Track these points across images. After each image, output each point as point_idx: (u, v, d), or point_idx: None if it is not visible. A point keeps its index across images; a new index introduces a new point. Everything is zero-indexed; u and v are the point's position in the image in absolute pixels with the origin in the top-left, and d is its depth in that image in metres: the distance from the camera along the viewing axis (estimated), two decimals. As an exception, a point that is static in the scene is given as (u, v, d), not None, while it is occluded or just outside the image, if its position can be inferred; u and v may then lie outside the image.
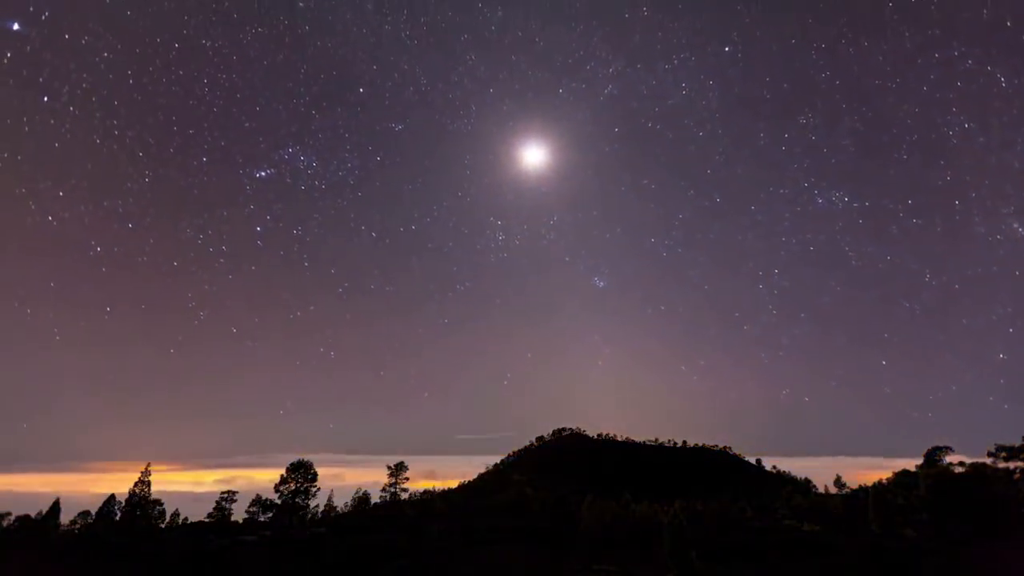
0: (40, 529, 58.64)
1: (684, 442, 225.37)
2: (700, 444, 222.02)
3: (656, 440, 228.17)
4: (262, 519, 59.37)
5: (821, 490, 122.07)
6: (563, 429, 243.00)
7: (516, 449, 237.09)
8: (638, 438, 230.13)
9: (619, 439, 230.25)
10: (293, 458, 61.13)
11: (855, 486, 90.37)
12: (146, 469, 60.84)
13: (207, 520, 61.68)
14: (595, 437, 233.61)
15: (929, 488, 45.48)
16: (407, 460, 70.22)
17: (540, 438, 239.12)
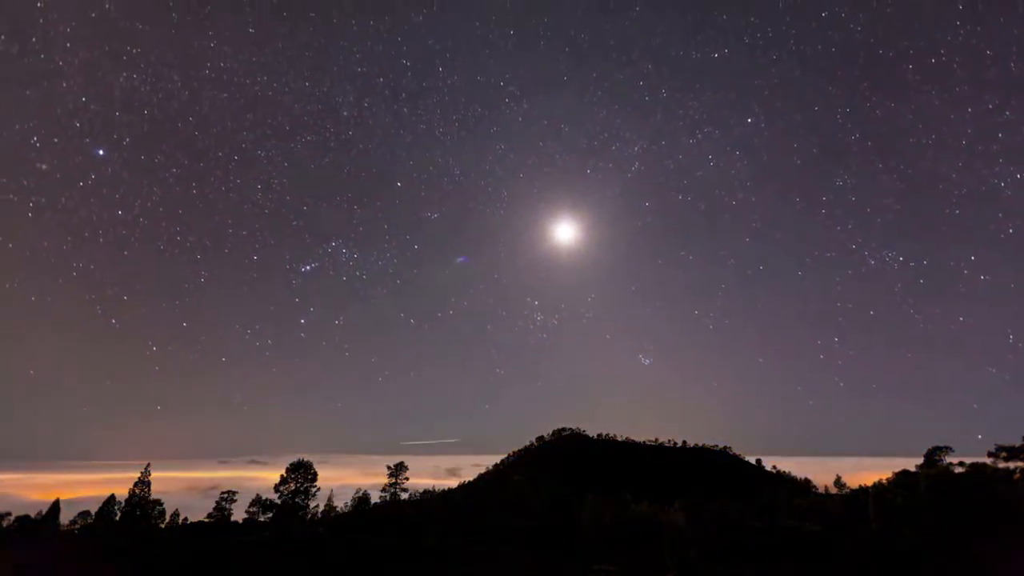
0: (40, 529, 58.63)
1: (684, 442, 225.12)
2: (700, 444, 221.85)
3: (656, 440, 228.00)
4: (262, 519, 59.32)
5: (821, 490, 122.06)
6: (563, 429, 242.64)
7: (516, 449, 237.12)
8: (638, 438, 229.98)
9: (619, 439, 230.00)
10: (293, 458, 61.12)
11: (855, 486, 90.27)
12: (146, 469, 60.82)
13: (207, 520, 61.65)
14: (595, 437, 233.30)
15: (929, 488, 45.44)
16: (407, 460, 70.20)
17: (540, 438, 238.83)
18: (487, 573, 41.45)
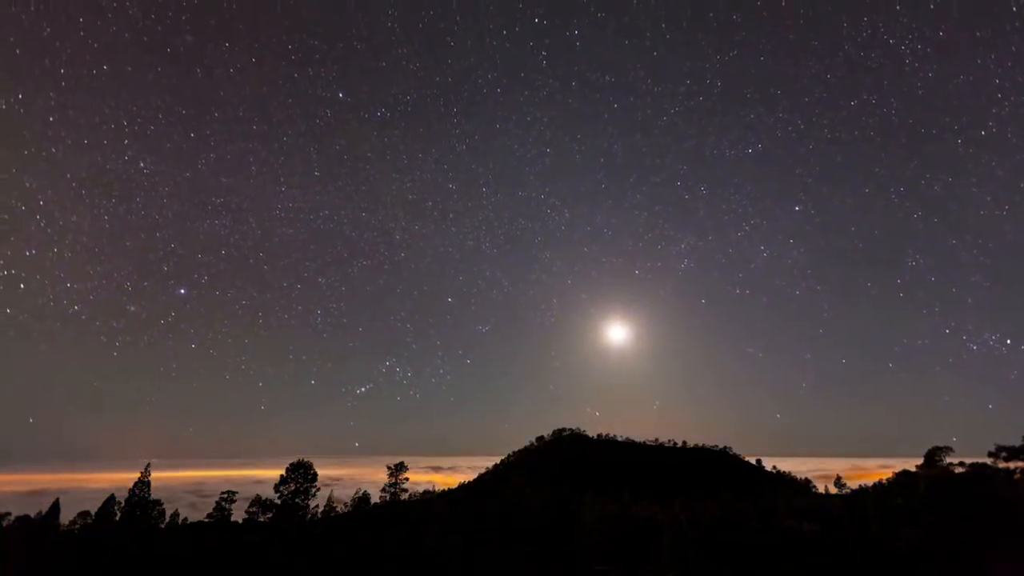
0: (40, 529, 58.59)
1: (684, 442, 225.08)
2: (700, 444, 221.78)
3: (656, 440, 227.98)
4: (262, 519, 59.27)
5: (821, 490, 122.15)
6: (563, 429, 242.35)
7: (516, 449, 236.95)
8: (638, 438, 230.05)
9: (619, 439, 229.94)
10: (293, 458, 61.09)
11: (855, 486, 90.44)
12: (146, 469, 60.82)
13: (207, 520, 61.60)
14: (595, 437, 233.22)
15: (929, 488, 45.42)
16: (407, 460, 70.21)
17: (540, 438, 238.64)
18: (487, 573, 41.46)
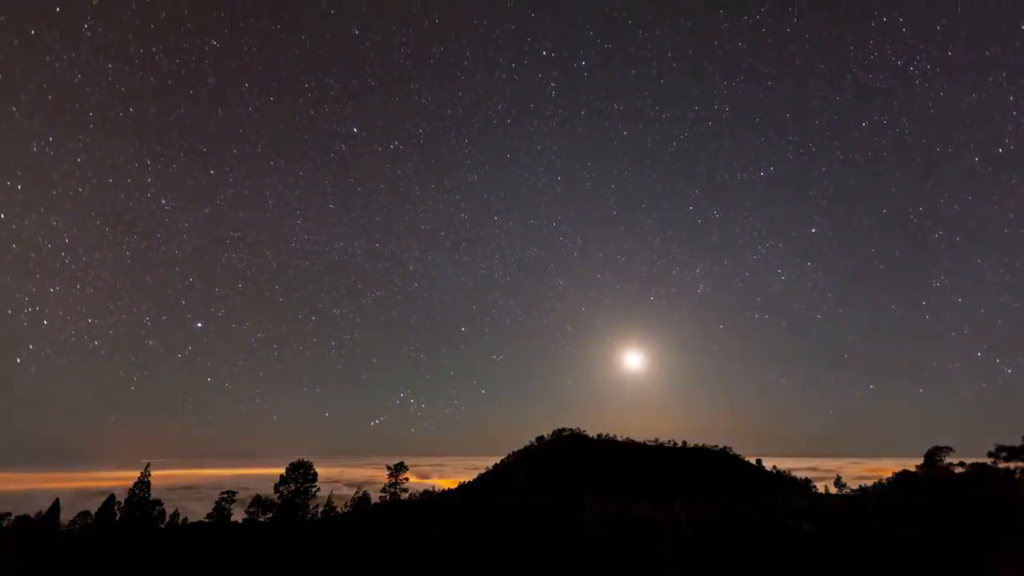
0: (40, 529, 58.60)
1: (684, 442, 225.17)
2: (700, 444, 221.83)
3: (656, 440, 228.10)
4: (262, 519, 59.30)
5: (821, 490, 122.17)
6: (563, 429, 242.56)
7: (516, 449, 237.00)
8: (638, 438, 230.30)
9: (619, 439, 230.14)
10: (293, 458, 61.11)
11: (855, 486, 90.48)
12: (146, 469, 60.85)
13: (207, 520, 61.65)
14: (595, 437, 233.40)
15: (929, 488, 45.43)
16: (407, 461, 70.26)
17: (540, 438, 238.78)
18: (486, 574, 41.47)
